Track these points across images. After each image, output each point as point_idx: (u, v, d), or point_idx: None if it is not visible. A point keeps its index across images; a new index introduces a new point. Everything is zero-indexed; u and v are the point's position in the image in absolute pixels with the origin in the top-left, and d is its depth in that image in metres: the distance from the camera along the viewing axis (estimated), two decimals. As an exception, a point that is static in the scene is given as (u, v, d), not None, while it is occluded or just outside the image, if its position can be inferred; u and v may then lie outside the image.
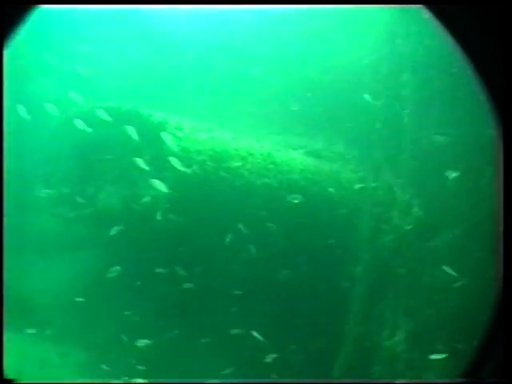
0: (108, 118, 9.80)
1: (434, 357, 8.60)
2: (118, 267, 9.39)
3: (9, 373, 3.57)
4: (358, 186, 9.84)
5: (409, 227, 8.89)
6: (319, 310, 9.87)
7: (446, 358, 8.78)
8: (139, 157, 9.61)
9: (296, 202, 9.72)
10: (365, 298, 9.13)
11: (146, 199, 9.76)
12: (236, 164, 10.00)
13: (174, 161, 9.31)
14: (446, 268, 8.59)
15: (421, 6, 3.55)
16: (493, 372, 3.32)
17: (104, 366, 9.84)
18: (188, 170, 9.52)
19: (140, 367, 9.57)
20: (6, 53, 3.25)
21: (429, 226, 9.11)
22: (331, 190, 10.33)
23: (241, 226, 9.60)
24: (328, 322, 9.49)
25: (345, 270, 9.50)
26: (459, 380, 3.56)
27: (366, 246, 9.25)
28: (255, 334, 9.16)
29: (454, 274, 8.65)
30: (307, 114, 11.56)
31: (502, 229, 3.31)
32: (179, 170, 9.40)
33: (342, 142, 11.26)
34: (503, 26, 3.21)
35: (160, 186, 9.11)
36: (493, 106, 3.26)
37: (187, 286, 9.59)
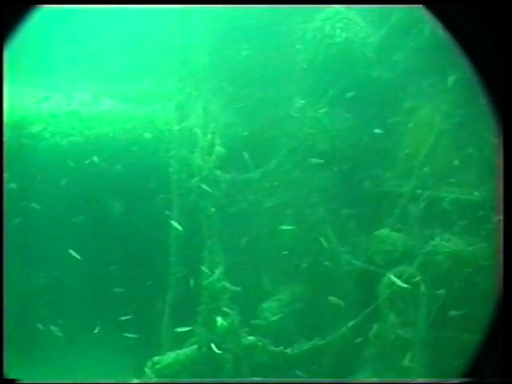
0: None
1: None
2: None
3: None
4: (176, 128, 9.59)
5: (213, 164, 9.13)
6: (138, 254, 9.90)
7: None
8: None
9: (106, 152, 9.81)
10: (180, 240, 9.39)
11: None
12: (37, 128, 9.97)
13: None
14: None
15: (421, 5, 3.46)
16: (493, 372, 3.39)
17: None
18: None
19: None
20: (6, 53, 3.22)
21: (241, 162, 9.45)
22: (147, 135, 10.21)
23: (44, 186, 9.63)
24: (151, 265, 9.62)
25: (162, 214, 9.46)
26: (459, 380, 3.61)
27: (179, 189, 9.37)
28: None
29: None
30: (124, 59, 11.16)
31: (501, 228, 3.33)
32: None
33: (164, 83, 10.79)
34: (503, 26, 3.16)
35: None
36: (493, 106, 3.23)
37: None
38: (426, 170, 9.16)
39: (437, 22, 3.22)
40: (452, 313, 8.68)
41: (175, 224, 9.19)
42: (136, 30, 10.89)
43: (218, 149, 9.02)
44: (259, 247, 9.68)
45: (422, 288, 8.80)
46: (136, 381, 8.82)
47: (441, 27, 3.22)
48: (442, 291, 8.73)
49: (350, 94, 9.24)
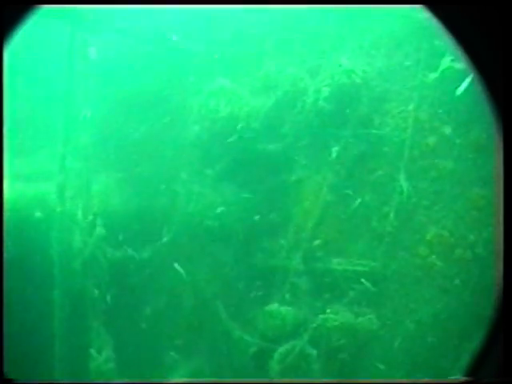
0: None
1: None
2: None
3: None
4: (59, 209, 9.29)
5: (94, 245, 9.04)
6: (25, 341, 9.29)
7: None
8: None
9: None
10: (66, 323, 9.04)
11: None
12: None
13: None
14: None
15: (421, 5, 3.49)
16: (493, 372, 3.38)
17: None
18: None
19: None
20: (6, 53, 3.25)
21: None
22: (38, 214, 9.70)
23: None
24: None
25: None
26: (459, 380, 3.54)
27: (62, 271, 9.13)
28: None
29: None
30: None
31: (502, 229, 3.30)
32: None
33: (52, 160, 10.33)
34: (503, 26, 3.19)
35: None
36: (493, 106, 3.22)
37: None
38: (314, 242, 9.21)
39: (437, 23, 3.20)
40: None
41: None
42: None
43: (100, 230, 8.91)
44: (155, 324, 9.61)
45: (314, 362, 8.81)
46: (139, 381, 8.81)
47: (441, 28, 3.20)
48: (334, 363, 8.78)
49: (236, 169, 9.36)
